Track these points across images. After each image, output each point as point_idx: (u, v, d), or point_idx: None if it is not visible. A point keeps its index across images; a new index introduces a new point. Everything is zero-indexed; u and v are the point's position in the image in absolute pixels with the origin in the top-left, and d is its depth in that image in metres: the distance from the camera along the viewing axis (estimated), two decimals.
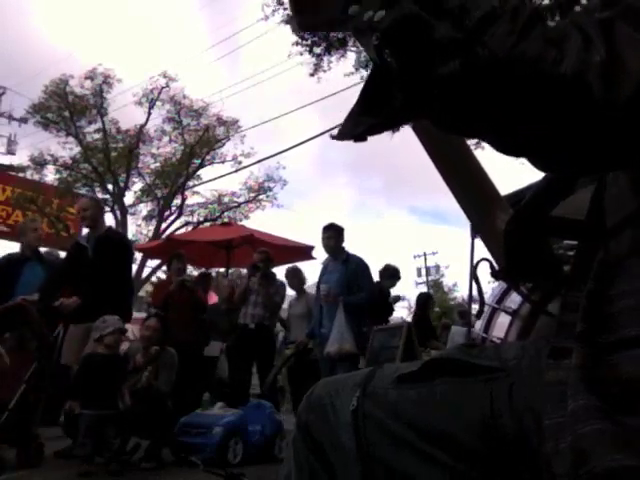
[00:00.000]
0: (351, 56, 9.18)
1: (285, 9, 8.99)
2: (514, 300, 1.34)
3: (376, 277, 6.32)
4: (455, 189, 4.39)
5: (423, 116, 0.62)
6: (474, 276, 1.31)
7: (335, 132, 0.66)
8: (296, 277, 6.49)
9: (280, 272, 6.81)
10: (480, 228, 4.02)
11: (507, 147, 0.61)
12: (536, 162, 0.61)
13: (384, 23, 0.57)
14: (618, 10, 0.54)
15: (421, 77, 0.57)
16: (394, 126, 0.65)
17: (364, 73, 8.92)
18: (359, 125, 0.63)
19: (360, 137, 0.65)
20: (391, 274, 6.71)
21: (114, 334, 4.19)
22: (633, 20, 0.52)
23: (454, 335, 6.96)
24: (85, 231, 5.18)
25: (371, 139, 0.65)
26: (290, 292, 6.65)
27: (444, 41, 0.55)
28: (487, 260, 1.15)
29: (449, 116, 0.60)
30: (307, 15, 0.73)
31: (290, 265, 6.97)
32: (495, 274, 1.07)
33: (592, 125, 0.53)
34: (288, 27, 9.16)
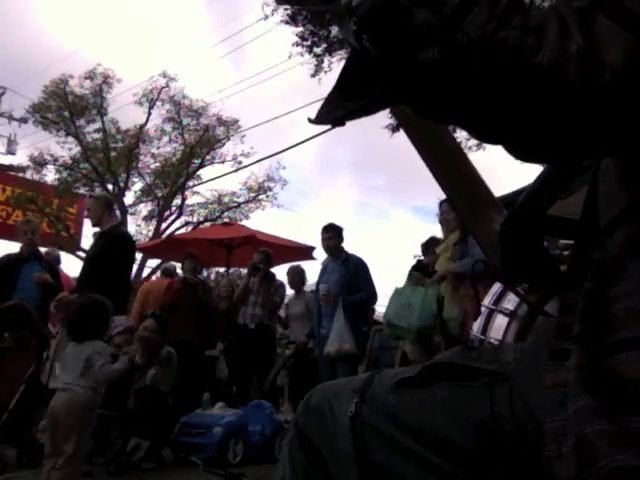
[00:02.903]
0: None
1: (285, 9, 9.00)
2: (511, 301, 1.33)
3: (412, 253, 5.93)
4: (448, 191, 4.39)
5: (402, 102, 0.62)
6: (472, 277, 1.31)
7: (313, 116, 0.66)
8: (298, 276, 6.48)
9: (280, 272, 6.82)
10: (474, 230, 4.03)
11: (485, 134, 0.61)
12: (512, 149, 0.61)
13: (362, 8, 0.57)
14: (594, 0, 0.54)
15: (400, 63, 0.57)
16: (373, 111, 0.65)
17: None
18: (337, 109, 0.63)
19: (338, 121, 0.64)
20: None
21: (123, 334, 4.17)
22: (609, 10, 0.53)
23: None
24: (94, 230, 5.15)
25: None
26: (289, 292, 6.65)
27: (422, 27, 0.55)
28: (484, 262, 1.15)
29: (428, 103, 0.60)
30: None
31: (293, 264, 6.96)
32: (491, 275, 1.07)
33: (567, 114, 0.54)
34: (288, 27, 9.18)
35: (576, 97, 0.52)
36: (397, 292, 4.11)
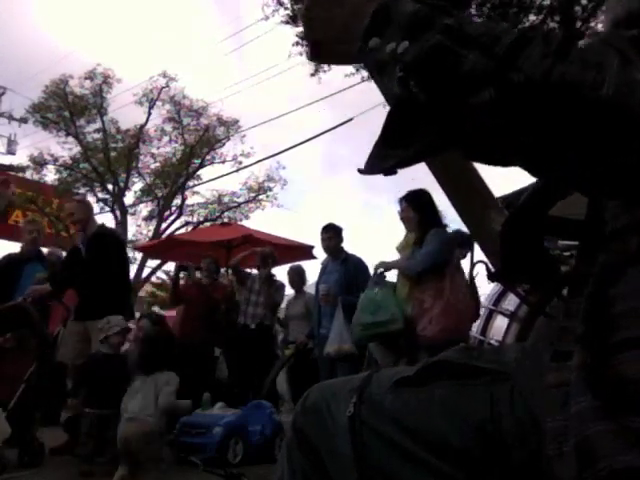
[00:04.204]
0: None
1: (286, 9, 8.99)
2: (511, 302, 1.33)
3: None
4: (449, 192, 4.36)
5: (455, 147, 0.61)
6: (472, 278, 1.31)
7: (362, 166, 0.64)
8: (298, 275, 6.47)
9: (280, 272, 6.82)
10: (475, 231, 4.01)
11: (542, 172, 0.60)
12: (569, 183, 0.60)
13: (409, 55, 0.56)
14: None
15: (452, 108, 0.56)
16: (425, 158, 0.64)
17: (364, 74, 8.91)
18: (387, 158, 0.62)
19: (390, 171, 0.63)
20: (460, 241, 5.17)
21: (119, 334, 4.19)
22: None
23: None
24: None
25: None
26: (288, 292, 6.66)
27: (475, 70, 0.54)
28: (483, 262, 1.15)
29: (482, 146, 0.59)
30: (324, 47, 0.71)
31: (294, 264, 6.96)
32: (491, 276, 1.06)
33: (609, 152, 0.53)
34: (288, 27, 9.17)
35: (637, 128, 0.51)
36: (365, 296, 4.12)
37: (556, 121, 0.54)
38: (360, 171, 0.65)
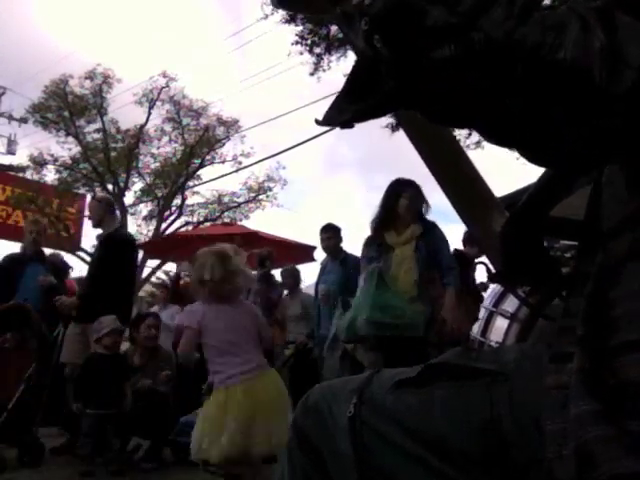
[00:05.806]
0: (351, 55, 9.18)
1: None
2: (511, 303, 1.32)
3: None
4: (449, 192, 4.33)
5: (413, 104, 0.61)
6: (473, 279, 1.31)
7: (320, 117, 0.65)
8: (292, 276, 6.48)
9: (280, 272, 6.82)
10: (475, 231, 3.99)
11: (499, 137, 0.60)
12: (528, 153, 0.60)
13: (375, 7, 0.56)
14: None
15: (413, 63, 0.56)
16: (382, 113, 0.64)
17: None
18: (345, 112, 0.62)
19: (347, 124, 0.63)
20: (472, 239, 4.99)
21: (111, 335, 4.18)
22: (630, 9, 0.52)
23: None
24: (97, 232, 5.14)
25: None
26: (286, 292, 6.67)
27: (438, 26, 0.54)
28: (484, 263, 1.14)
29: (441, 104, 0.59)
30: None
31: (287, 266, 6.97)
32: (492, 277, 1.06)
33: (589, 114, 0.53)
34: (288, 26, 9.16)
35: (600, 95, 0.51)
36: (368, 293, 3.99)
37: (513, 84, 0.54)
38: (317, 122, 0.64)
